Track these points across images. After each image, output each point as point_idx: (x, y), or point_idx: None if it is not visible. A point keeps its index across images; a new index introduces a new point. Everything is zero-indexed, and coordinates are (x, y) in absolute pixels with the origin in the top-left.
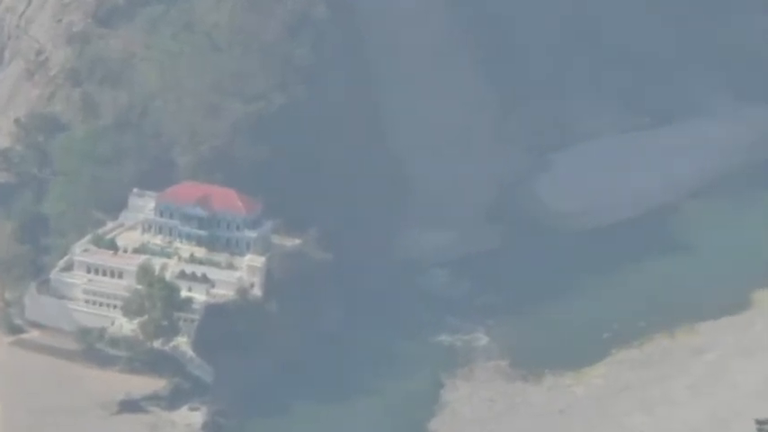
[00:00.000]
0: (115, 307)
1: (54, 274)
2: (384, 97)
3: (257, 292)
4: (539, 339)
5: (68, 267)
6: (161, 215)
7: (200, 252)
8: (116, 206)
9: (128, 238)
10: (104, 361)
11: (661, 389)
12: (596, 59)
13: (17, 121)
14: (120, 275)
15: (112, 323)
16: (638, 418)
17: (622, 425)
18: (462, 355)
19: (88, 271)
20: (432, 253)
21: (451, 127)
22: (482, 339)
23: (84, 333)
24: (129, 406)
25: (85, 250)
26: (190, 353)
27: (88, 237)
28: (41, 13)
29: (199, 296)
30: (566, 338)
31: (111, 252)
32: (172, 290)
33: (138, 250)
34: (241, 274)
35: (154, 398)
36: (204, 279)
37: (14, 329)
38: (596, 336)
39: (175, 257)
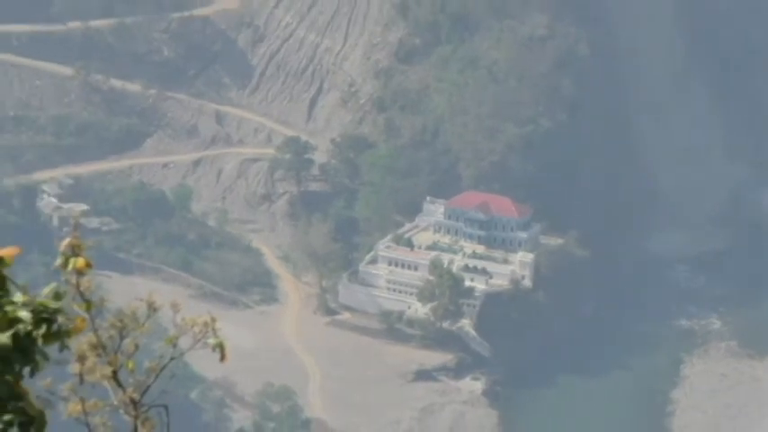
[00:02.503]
0: (411, 294)
1: (362, 267)
2: (634, 120)
3: (527, 283)
4: (764, 323)
5: (374, 261)
6: (449, 218)
7: (480, 249)
8: (412, 211)
9: (422, 238)
10: (402, 338)
11: None
12: None
13: (333, 140)
14: (416, 268)
15: (409, 307)
16: None
17: None
18: (699, 337)
19: (389, 264)
20: (674, 251)
21: (690, 144)
22: (715, 324)
23: (386, 315)
24: (423, 375)
25: (387, 247)
26: (472, 332)
27: (390, 236)
28: (354, 53)
29: (479, 286)
30: None
31: (409, 249)
32: (457, 280)
33: (430, 247)
34: (514, 268)
35: (443, 369)
36: (484, 272)
37: (330, 312)
38: None
39: (460, 253)
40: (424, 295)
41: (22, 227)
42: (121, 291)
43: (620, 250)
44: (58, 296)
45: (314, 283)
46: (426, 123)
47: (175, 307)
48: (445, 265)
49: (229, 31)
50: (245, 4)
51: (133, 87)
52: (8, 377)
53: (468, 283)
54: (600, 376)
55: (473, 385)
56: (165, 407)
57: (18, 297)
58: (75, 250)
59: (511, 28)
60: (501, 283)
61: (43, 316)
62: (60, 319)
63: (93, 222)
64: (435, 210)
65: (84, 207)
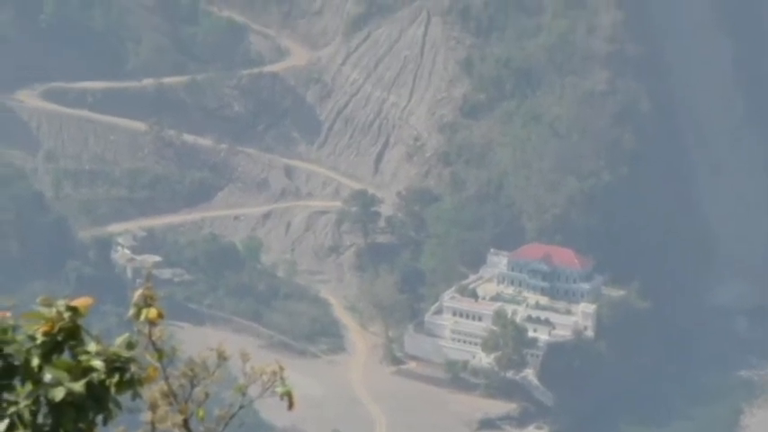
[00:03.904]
0: (476, 344)
1: (427, 317)
2: (694, 173)
3: (590, 333)
4: None
5: (439, 311)
6: (512, 270)
7: (543, 300)
8: (477, 262)
9: (486, 289)
10: (467, 387)
11: None
12: None
13: (399, 193)
14: (480, 318)
15: (473, 357)
16: None
17: None
18: (759, 387)
19: (454, 314)
20: (734, 302)
21: (748, 196)
22: None
23: (451, 364)
24: (487, 424)
25: (452, 298)
26: (535, 382)
27: (454, 287)
28: (419, 108)
29: (542, 336)
30: None
31: (473, 299)
32: (521, 331)
33: (494, 298)
34: (576, 318)
35: (506, 418)
36: (547, 322)
37: (396, 361)
38: None
39: (524, 304)
40: (489, 345)
41: (96, 278)
42: (193, 340)
43: (681, 301)
44: (130, 346)
45: (380, 333)
46: (490, 177)
47: (245, 356)
48: (509, 316)
49: (298, 87)
50: (314, 60)
51: (205, 142)
52: (82, 425)
53: (531, 334)
54: (661, 426)
55: None
56: None
57: (92, 346)
58: (147, 301)
59: (573, 84)
60: (564, 333)
61: (116, 365)
62: (133, 368)
63: (166, 273)
64: (499, 261)
65: (156, 258)
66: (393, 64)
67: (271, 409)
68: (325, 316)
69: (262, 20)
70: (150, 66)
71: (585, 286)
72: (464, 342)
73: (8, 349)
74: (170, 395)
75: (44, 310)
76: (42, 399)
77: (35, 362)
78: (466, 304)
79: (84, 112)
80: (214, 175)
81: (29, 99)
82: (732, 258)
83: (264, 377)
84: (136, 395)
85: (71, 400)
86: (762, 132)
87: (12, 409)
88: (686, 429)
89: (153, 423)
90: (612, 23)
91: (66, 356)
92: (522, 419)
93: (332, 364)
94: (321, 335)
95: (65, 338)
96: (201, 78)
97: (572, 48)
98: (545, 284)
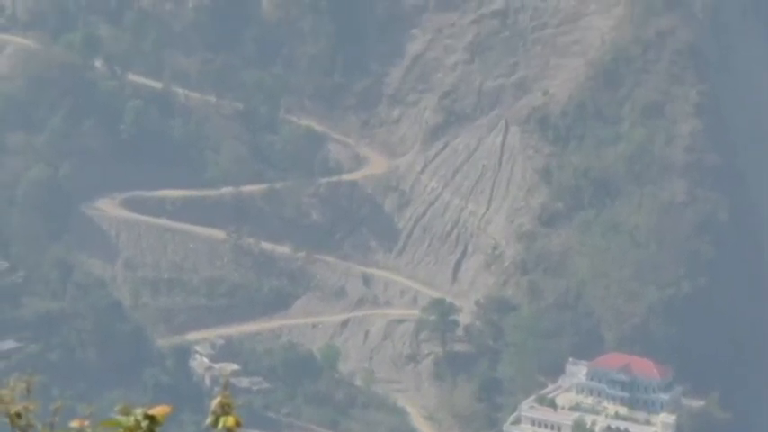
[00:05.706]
0: None
1: (506, 427)
2: None
3: None
4: None
5: (517, 421)
6: (591, 379)
7: (622, 410)
8: (555, 372)
9: (565, 398)
10: None
11: None
12: None
13: (477, 302)
14: (559, 428)
15: None
16: None
17: None
18: None
19: (533, 424)
20: None
21: None
22: None
23: None
24: None
25: (531, 407)
26: None
27: (533, 396)
28: (497, 216)
29: None
30: None
31: (552, 409)
32: None
33: (573, 408)
34: (656, 429)
35: None
36: None
37: None
38: None
39: (603, 414)
40: None
41: (174, 386)
42: None
43: (762, 412)
44: None
45: None
46: (569, 286)
47: None
48: (588, 426)
49: (376, 196)
50: (392, 169)
51: (283, 250)
52: None
53: None
54: None
55: None
56: None
57: None
58: (225, 409)
59: (651, 193)
60: None
61: None
62: None
63: (244, 382)
64: (578, 371)
65: (234, 367)
66: (471, 173)
67: None
68: (404, 425)
69: (340, 128)
70: (229, 174)
71: (665, 396)
72: None
73: None
74: None
75: (122, 419)
76: None
77: None
78: (545, 414)
79: (163, 221)
80: (292, 284)
81: (108, 208)
82: None
83: None
84: None
85: None
86: None
87: None
88: None
89: None
90: (691, 133)
91: None
92: None
93: None
94: None
95: None
96: (280, 187)
97: (650, 157)
98: (624, 394)
